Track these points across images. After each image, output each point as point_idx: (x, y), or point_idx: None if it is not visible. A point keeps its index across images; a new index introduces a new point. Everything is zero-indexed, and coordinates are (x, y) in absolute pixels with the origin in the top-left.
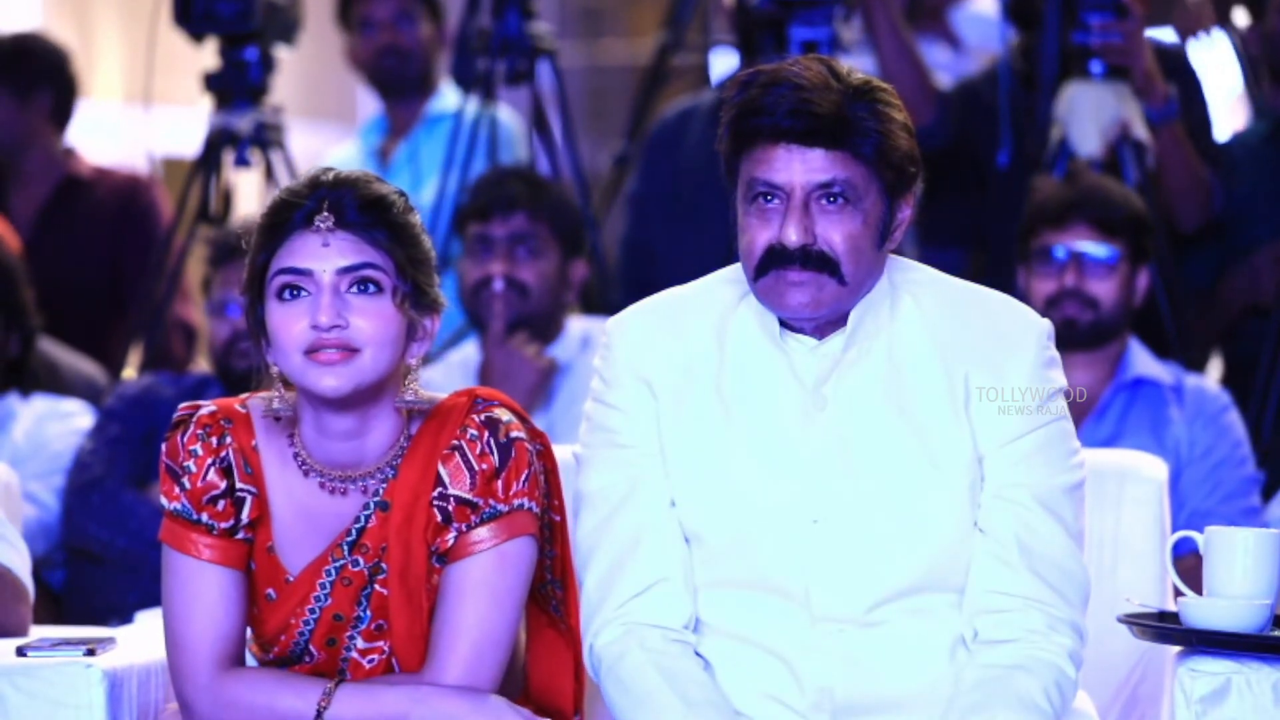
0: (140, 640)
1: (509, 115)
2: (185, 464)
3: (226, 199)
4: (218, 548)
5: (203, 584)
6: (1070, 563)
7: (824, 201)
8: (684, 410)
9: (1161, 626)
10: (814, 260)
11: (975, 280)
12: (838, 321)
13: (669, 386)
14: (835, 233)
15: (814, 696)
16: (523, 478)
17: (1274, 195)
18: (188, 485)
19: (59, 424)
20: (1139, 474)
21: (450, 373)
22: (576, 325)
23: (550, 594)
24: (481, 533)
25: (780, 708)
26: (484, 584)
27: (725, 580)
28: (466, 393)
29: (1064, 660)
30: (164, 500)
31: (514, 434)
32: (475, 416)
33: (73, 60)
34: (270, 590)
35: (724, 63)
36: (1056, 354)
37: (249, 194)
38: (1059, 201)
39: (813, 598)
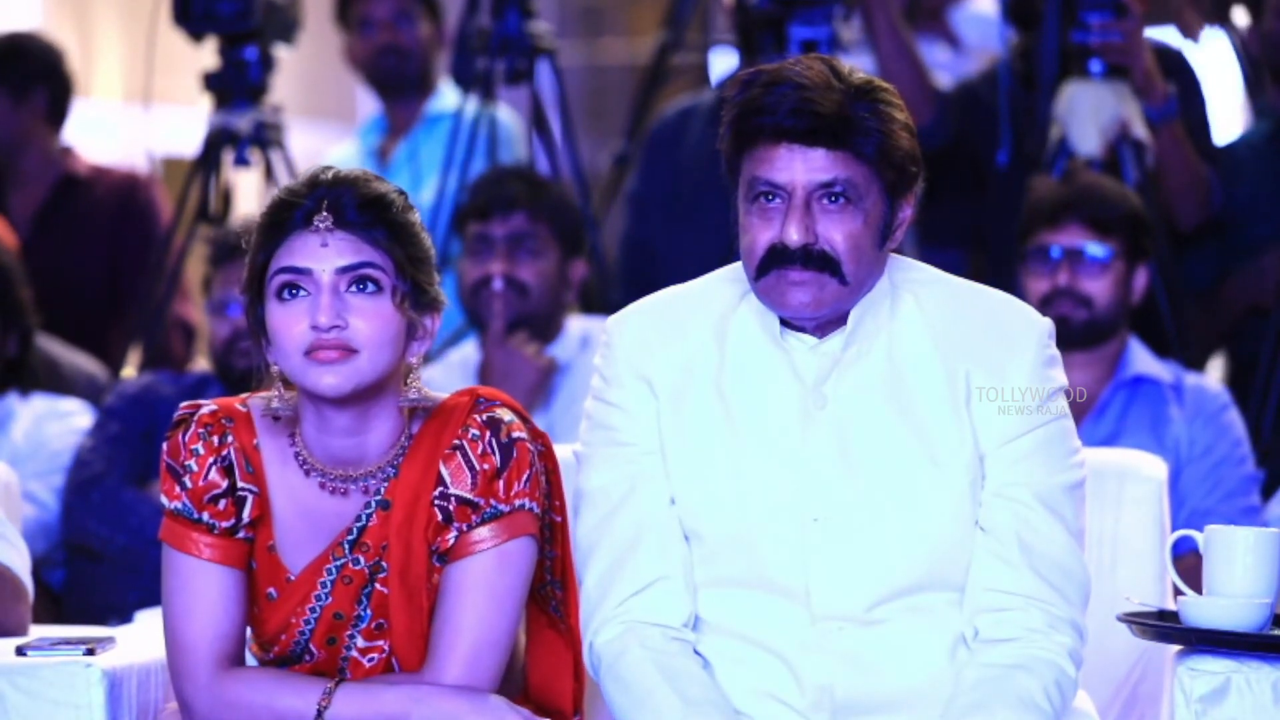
0: (140, 640)
1: (508, 115)
2: (186, 463)
3: (226, 198)
4: (218, 547)
5: (203, 583)
6: (1070, 561)
7: (825, 201)
8: (684, 408)
9: (1161, 625)
10: (815, 260)
11: (975, 280)
12: (838, 320)
13: (669, 385)
14: (836, 232)
15: (814, 695)
16: (524, 478)
17: (1277, 195)
18: (189, 484)
19: (58, 423)
20: (1139, 473)
21: (450, 372)
22: (576, 325)
23: (550, 594)
24: (482, 532)
25: (780, 706)
26: (484, 584)
27: (725, 578)
28: (468, 392)
29: (1064, 659)
30: (164, 499)
31: (516, 434)
32: (477, 416)
33: (67, 59)
34: (271, 589)
35: (724, 62)
36: (1057, 353)
37: (249, 193)
38: (1054, 200)
39: (813, 596)
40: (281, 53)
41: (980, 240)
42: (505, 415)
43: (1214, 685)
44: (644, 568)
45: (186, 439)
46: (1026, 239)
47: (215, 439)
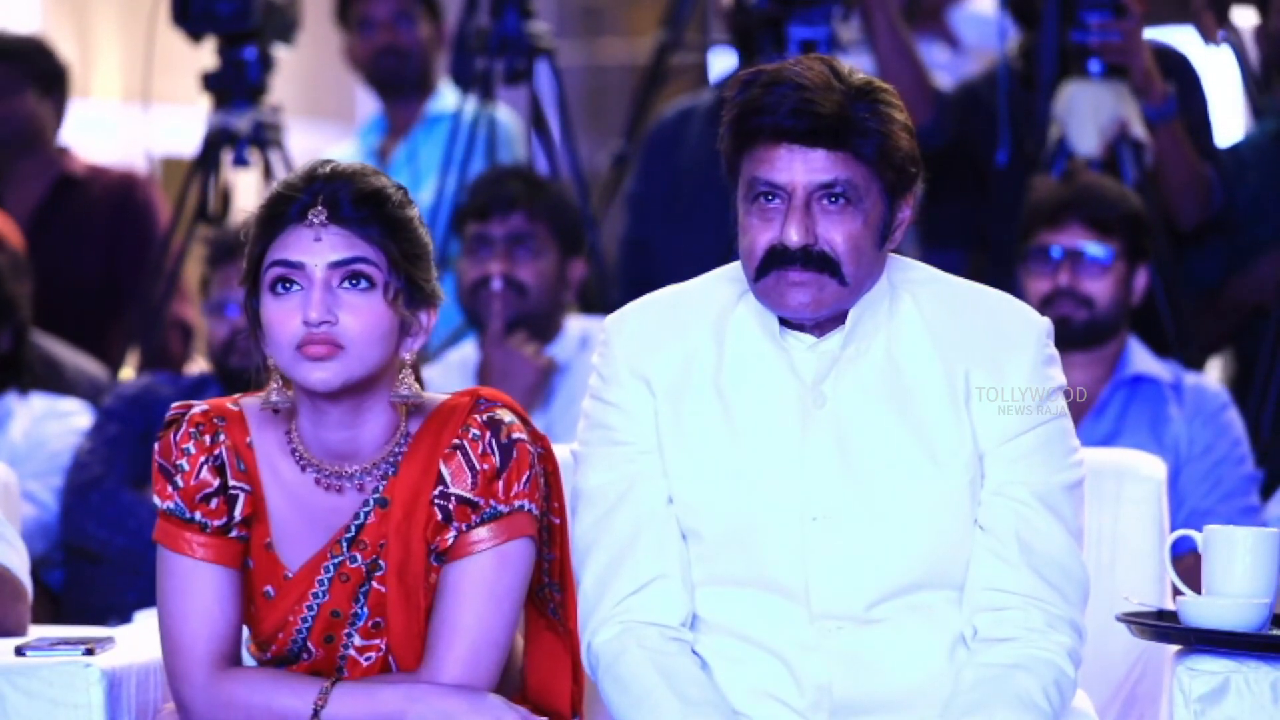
0: (139, 640)
1: (508, 115)
2: (178, 462)
3: (225, 198)
4: (212, 546)
5: (197, 583)
6: (1070, 561)
7: (825, 202)
8: (683, 407)
9: (1160, 625)
10: (815, 261)
11: (975, 280)
12: (837, 319)
13: (667, 384)
14: (836, 233)
15: (812, 695)
16: (524, 479)
17: None
18: (181, 484)
19: (57, 423)
20: (1138, 472)
21: (449, 372)
22: (575, 324)
23: (549, 597)
24: (481, 533)
25: (779, 706)
26: (482, 584)
27: (723, 578)
28: (469, 393)
29: (1063, 659)
30: (157, 500)
31: (516, 435)
32: (478, 416)
33: (64, 60)
34: (268, 587)
35: (722, 62)
36: (1056, 352)
37: (248, 193)
38: (1054, 201)
39: (811, 595)
40: (281, 53)
41: (981, 240)
42: (506, 416)
43: (1213, 685)
44: (642, 567)
45: (178, 438)
46: (1027, 239)
47: (207, 438)
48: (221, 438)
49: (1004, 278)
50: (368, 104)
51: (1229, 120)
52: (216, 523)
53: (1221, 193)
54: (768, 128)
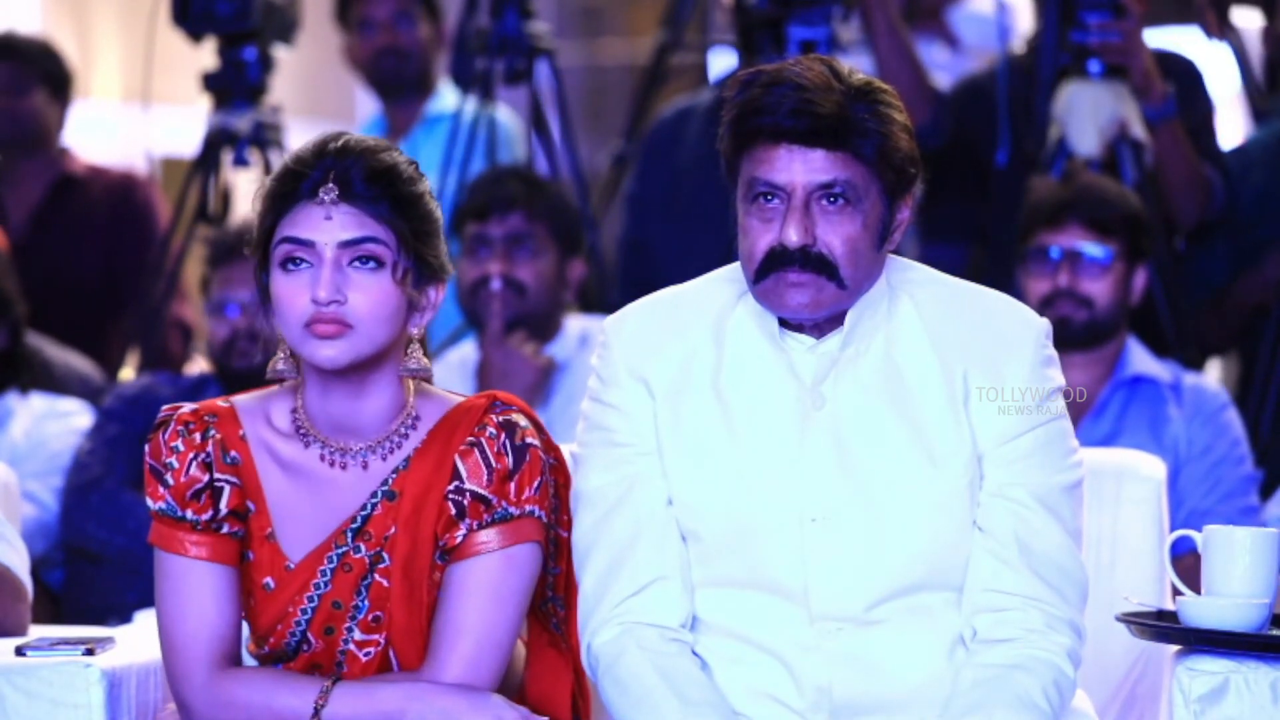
0: (139, 640)
1: (507, 115)
2: (168, 461)
3: (225, 199)
4: (205, 544)
5: (194, 582)
6: (1069, 562)
7: (825, 202)
8: (682, 409)
9: (1160, 625)
10: (813, 262)
11: (975, 280)
12: (836, 320)
13: (666, 385)
14: (835, 235)
15: (812, 696)
16: (535, 484)
17: None
18: (171, 482)
19: (58, 423)
20: (1137, 473)
21: (449, 372)
22: (574, 324)
23: (552, 612)
24: (488, 534)
25: (778, 707)
26: (488, 584)
27: (723, 579)
28: (486, 395)
29: (1062, 659)
30: (149, 501)
31: (529, 440)
32: (494, 417)
33: (71, 64)
34: (269, 579)
35: (722, 62)
36: (1055, 353)
37: (248, 194)
38: (1054, 201)
39: (811, 596)
40: (281, 53)
41: (981, 239)
42: (521, 420)
43: (1212, 685)
44: (642, 568)
45: (167, 438)
46: (1026, 240)
47: (196, 435)
48: (212, 434)
49: (1004, 277)
50: (368, 104)
51: (1230, 121)
52: (204, 517)
53: (1223, 193)
54: (767, 128)
